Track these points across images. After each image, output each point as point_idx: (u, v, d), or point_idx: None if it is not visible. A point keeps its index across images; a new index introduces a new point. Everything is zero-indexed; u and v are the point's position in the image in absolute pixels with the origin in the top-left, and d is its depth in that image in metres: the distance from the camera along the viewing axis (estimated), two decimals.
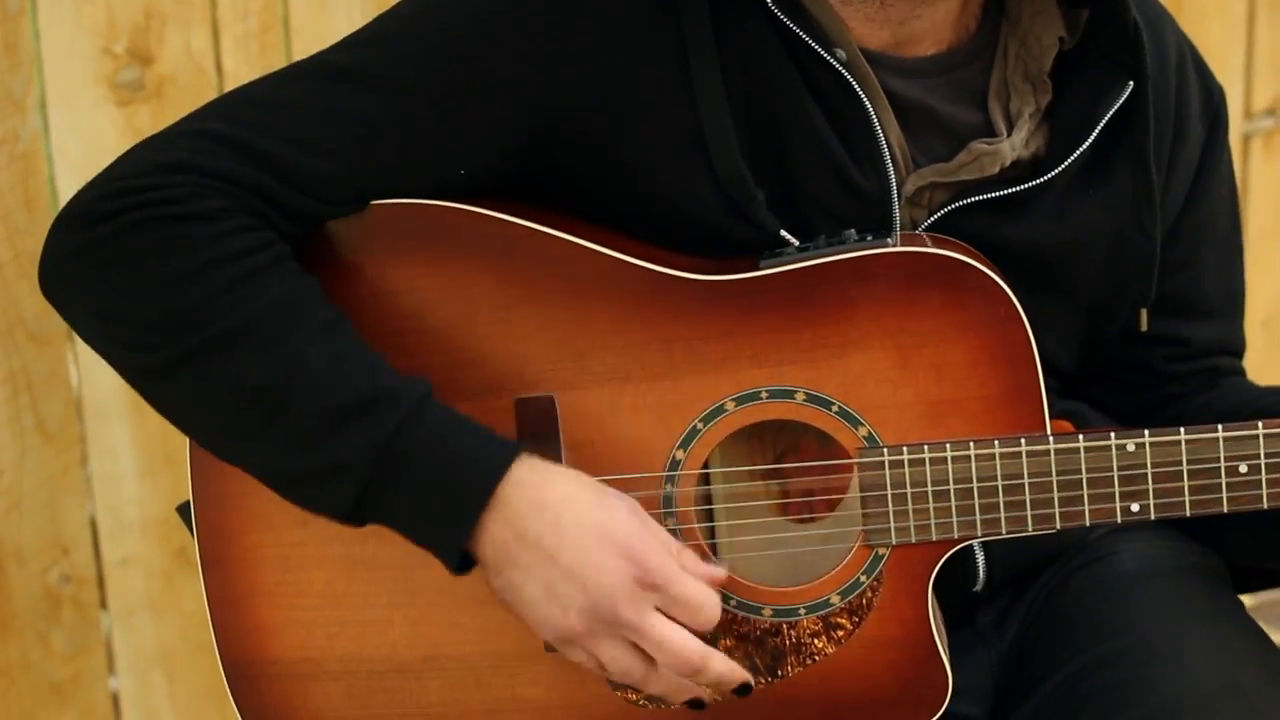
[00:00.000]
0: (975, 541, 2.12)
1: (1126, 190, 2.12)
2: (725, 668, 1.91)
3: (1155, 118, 2.10)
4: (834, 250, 1.96)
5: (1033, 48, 2.08)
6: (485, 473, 1.85)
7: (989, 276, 1.93)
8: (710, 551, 2.01)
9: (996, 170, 2.06)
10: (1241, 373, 2.33)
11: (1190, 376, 2.26)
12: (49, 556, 2.97)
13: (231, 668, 2.06)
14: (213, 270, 1.87)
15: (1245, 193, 3.50)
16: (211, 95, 2.64)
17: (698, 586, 1.88)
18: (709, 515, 2.04)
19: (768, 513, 2.05)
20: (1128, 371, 2.25)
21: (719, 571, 1.92)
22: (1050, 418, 2.00)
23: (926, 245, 1.96)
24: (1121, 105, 2.07)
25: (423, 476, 1.85)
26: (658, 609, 1.87)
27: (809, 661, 2.01)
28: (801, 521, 2.05)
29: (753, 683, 1.96)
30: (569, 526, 1.85)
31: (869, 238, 1.97)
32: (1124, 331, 2.21)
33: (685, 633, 1.88)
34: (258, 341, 1.86)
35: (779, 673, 2.01)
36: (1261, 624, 2.19)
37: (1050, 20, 2.08)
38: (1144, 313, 2.18)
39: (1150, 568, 2.21)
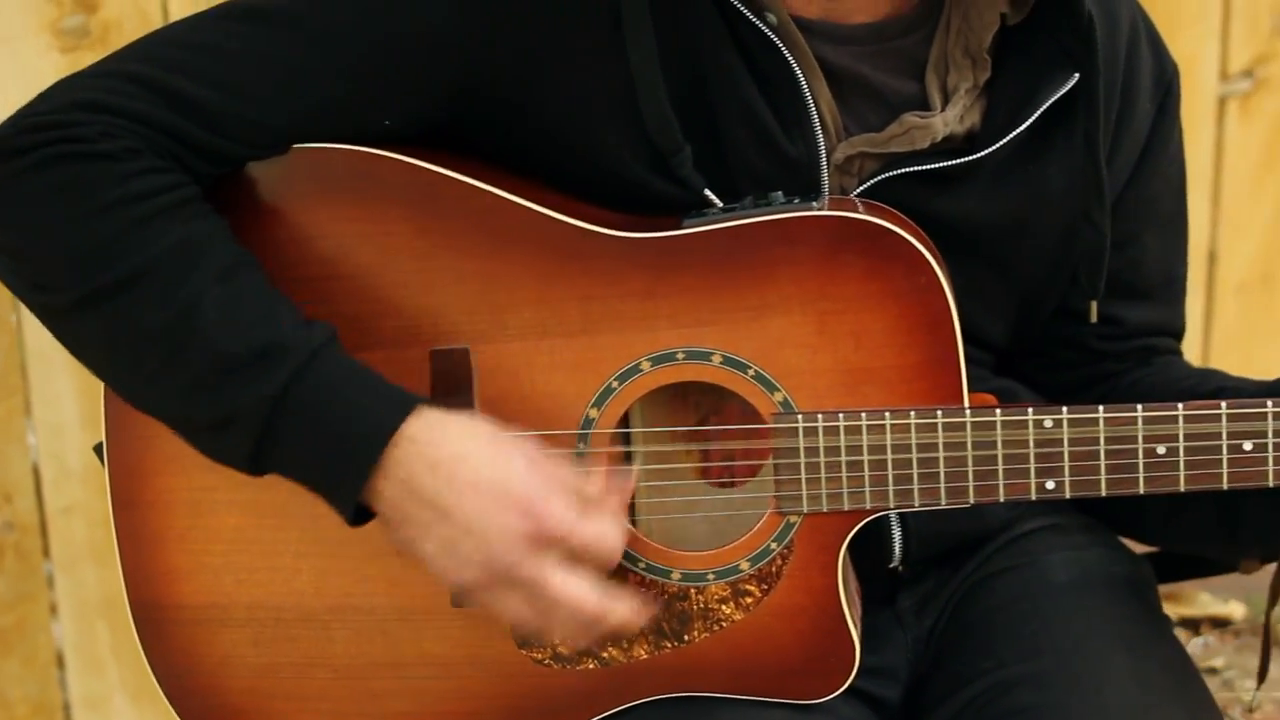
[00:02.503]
0: (892, 517, 2.11)
1: (1066, 175, 2.08)
2: (627, 616, 1.88)
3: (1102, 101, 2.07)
4: (758, 212, 1.93)
5: (974, 23, 2.04)
6: (375, 430, 1.83)
7: (911, 245, 1.90)
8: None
9: (927, 145, 2.03)
10: (1177, 353, 2.30)
11: (1124, 355, 2.23)
12: None
13: (139, 610, 2.05)
14: (116, 211, 1.85)
15: (1220, 156, 3.47)
16: None
17: (598, 527, 1.85)
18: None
19: (687, 475, 2.03)
20: (1061, 348, 2.22)
21: (626, 486, 1.90)
22: (982, 394, 1.98)
23: (858, 210, 1.93)
24: (1065, 92, 2.03)
25: (314, 432, 1.83)
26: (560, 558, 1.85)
27: (716, 628, 1.99)
28: (721, 486, 2.03)
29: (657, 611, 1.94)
30: (463, 485, 1.82)
31: (796, 200, 1.94)
32: (1059, 309, 2.19)
33: (584, 586, 1.85)
34: (156, 285, 1.84)
35: (685, 638, 2.00)
36: None
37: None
38: (1093, 305, 2.15)
39: (1081, 579, 2.19)
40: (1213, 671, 2.86)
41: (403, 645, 2.02)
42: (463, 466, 1.83)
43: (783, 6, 1.98)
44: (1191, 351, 3.53)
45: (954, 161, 2.03)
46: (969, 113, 2.05)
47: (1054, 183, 2.09)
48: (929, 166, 2.03)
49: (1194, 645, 2.93)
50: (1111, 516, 2.28)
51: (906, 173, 2.02)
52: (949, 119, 2.03)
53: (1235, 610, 3.04)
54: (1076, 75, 2.04)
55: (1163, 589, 2.84)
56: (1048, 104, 2.03)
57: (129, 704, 3.14)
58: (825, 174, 2.01)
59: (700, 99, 1.98)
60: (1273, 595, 2.28)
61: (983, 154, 2.03)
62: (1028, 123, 2.03)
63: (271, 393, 1.82)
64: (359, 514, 1.86)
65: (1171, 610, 2.95)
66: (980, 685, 2.09)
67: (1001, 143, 2.03)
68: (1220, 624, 3.01)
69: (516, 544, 1.82)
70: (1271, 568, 2.26)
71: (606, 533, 1.86)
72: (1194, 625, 3.00)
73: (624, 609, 1.88)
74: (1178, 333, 2.30)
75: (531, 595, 1.86)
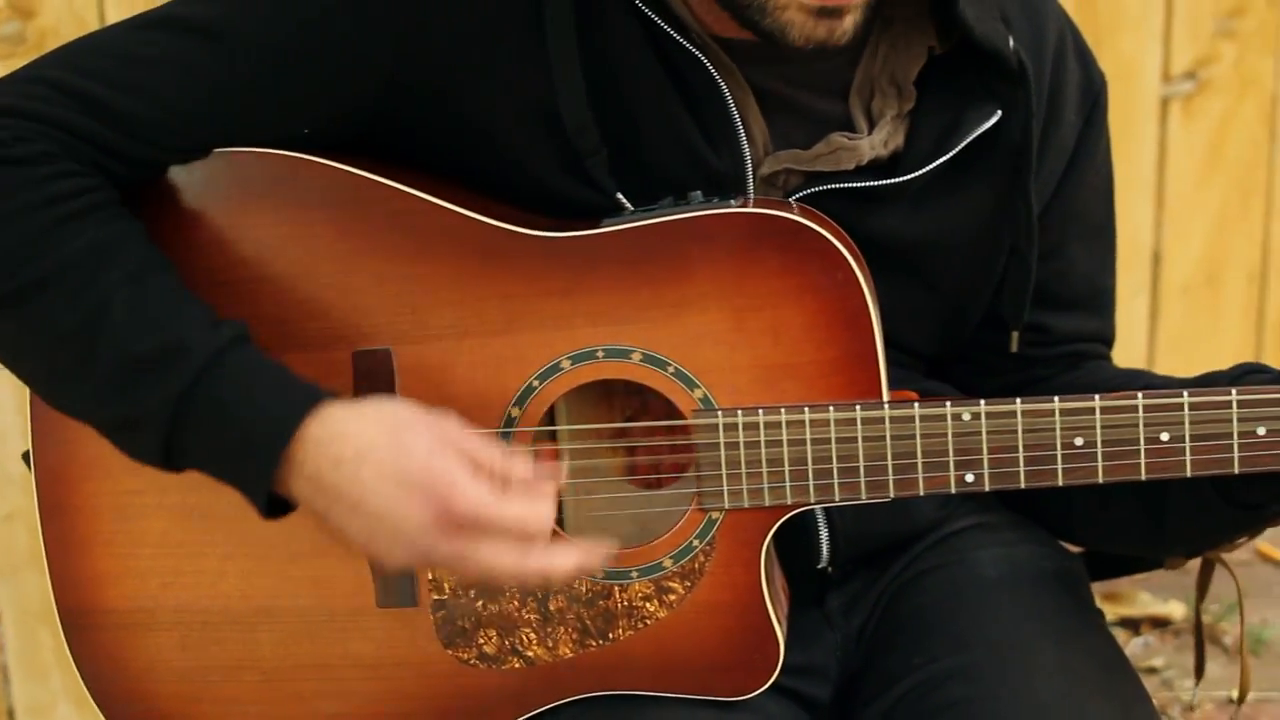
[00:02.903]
0: (819, 518, 2.12)
1: (990, 201, 2.11)
2: (577, 560, 1.85)
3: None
4: (677, 210, 1.94)
5: (902, 54, 2.07)
6: (277, 429, 1.83)
7: (828, 240, 1.91)
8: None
9: (852, 167, 2.05)
10: (1107, 358, 2.31)
11: (1053, 360, 2.25)
12: None
13: (67, 616, 2.05)
14: (29, 214, 1.86)
15: (1163, 157, 3.49)
16: None
17: (518, 509, 1.82)
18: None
19: (612, 474, 2.04)
20: (989, 354, 2.23)
21: (552, 474, 1.87)
22: (904, 390, 1.99)
23: (791, 210, 1.94)
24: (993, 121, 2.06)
25: (219, 431, 1.84)
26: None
27: (640, 625, 2.00)
28: (646, 484, 2.04)
29: (614, 553, 1.93)
30: (368, 478, 1.82)
31: (715, 199, 1.95)
32: (987, 317, 2.20)
33: (511, 558, 1.82)
34: (67, 287, 1.85)
35: (610, 635, 2.00)
36: None
37: (923, 29, 2.06)
38: (1015, 335, 2.17)
39: (1010, 575, 2.20)
40: (1152, 671, 2.86)
41: (329, 646, 2.02)
42: (365, 460, 1.82)
43: (708, 28, 2.00)
44: (1136, 352, 3.55)
45: (878, 183, 2.04)
46: (893, 136, 2.07)
47: (977, 206, 2.11)
48: (854, 185, 2.04)
49: (1134, 645, 2.94)
50: (1040, 515, 2.29)
51: (831, 189, 2.04)
52: (875, 143, 2.05)
53: (1175, 610, 3.04)
54: (999, 112, 2.05)
55: (1102, 589, 2.86)
56: (970, 138, 2.05)
57: (74, 711, 3.14)
58: (751, 187, 2.02)
59: (623, 112, 1.99)
60: (1200, 591, 2.29)
61: (906, 178, 2.05)
62: (950, 154, 2.05)
63: (177, 391, 1.83)
64: (272, 509, 1.86)
65: (1111, 610, 2.98)
66: (911, 681, 2.10)
67: (924, 170, 2.05)
68: (1160, 624, 3.02)
69: (427, 530, 1.81)
70: (1198, 564, 2.28)
71: (527, 511, 1.82)
72: (1134, 625, 3.01)
73: (568, 555, 1.85)
74: (1107, 340, 2.31)
75: (463, 571, 1.87)
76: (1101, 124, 2.23)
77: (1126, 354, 3.53)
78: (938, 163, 2.05)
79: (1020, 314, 2.15)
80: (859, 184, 2.04)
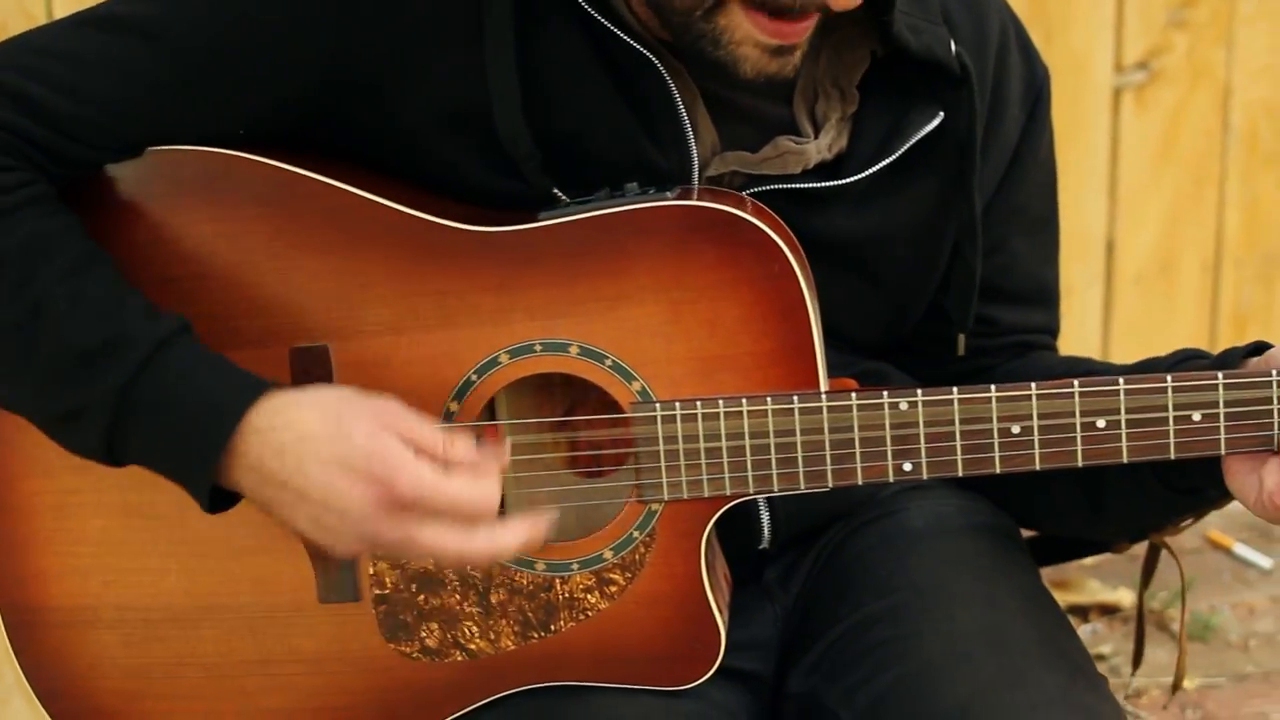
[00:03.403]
0: (760, 501, 2.12)
1: (934, 200, 2.12)
2: (522, 535, 1.85)
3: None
4: (613, 203, 1.94)
5: (845, 57, 2.07)
6: (219, 419, 1.84)
7: (764, 233, 1.91)
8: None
9: (799, 170, 2.05)
10: (1052, 348, 2.32)
11: (998, 350, 2.26)
12: None
13: (10, 614, 2.06)
14: None
15: (1116, 147, 3.50)
16: None
17: (461, 487, 1.82)
18: None
19: (554, 466, 2.04)
20: (934, 345, 2.24)
21: (495, 455, 1.87)
22: (853, 375, 2.00)
23: (745, 206, 1.94)
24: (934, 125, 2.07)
25: (161, 423, 1.85)
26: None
27: (581, 617, 2.00)
28: (588, 476, 2.04)
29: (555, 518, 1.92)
30: (310, 466, 1.83)
31: (651, 190, 1.95)
32: (931, 308, 2.21)
33: (456, 539, 1.83)
34: (6, 281, 1.87)
35: (552, 627, 2.01)
36: None
37: (865, 34, 2.07)
38: (961, 338, 2.17)
39: (937, 525, 2.21)
40: (1100, 658, 2.88)
41: (272, 642, 2.03)
42: (307, 447, 1.83)
43: (655, 32, 2.01)
44: (1091, 341, 3.56)
45: (822, 184, 2.05)
46: (837, 139, 2.07)
47: (921, 204, 2.12)
48: (798, 186, 2.05)
49: (1082, 632, 2.95)
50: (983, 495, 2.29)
51: (777, 190, 2.04)
52: (821, 146, 2.06)
53: (1124, 598, 3.06)
54: (942, 114, 2.06)
55: (1052, 577, 2.87)
56: (914, 140, 2.06)
57: (26, 705, 3.12)
58: (696, 185, 2.03)
59: (565, 115, 1.99)
60: (1145, 577, 2.30)
61: (849, 180, 2.05)
62: (893, 157, 2.05)
63: (118, 383, 1.84)
64: (215, 503, 1.87)
65: (1060, 597, 2.98)
66: (840, 629, 2.12)
67: (868, 172, 2.06)
68: (1109, 611, 3.03)
69: (371, 512, 1.82)
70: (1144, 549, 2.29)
71: (472, 490, 1.83)
72: (1083, 613, 3.02)
73: (513, 533, 1.85)
74: (1053, 331, 2.33)
75: (410, 554, 1.89)
76: (1045, 118, 2.24)
77: (1081, 344, 3.54)
78: (881, 165, 2.06)
79: (966, 318, 2.16)
80: (803, 185, 2.05)
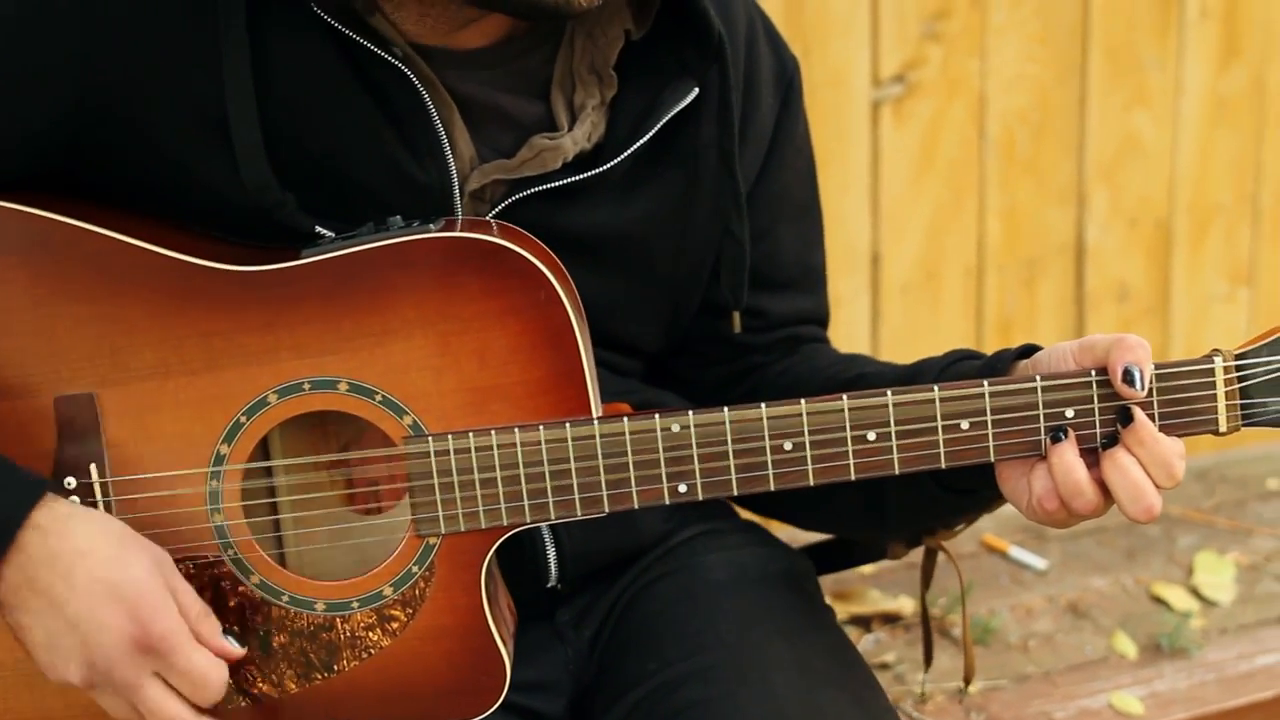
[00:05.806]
0: (546, 537, 2.12)
1: (696, 181, 2.13)
2: None
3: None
4: (377, 237, 1.93)
5: (599, 40, 2.07)
6: (9, 517, 1.83)
7: (527, 260, 1.91)
8: (271, 544, 1.98)
9: (559, 165, 2.05)
10: (823, 340, 2.35)
11: (770, 346, 2.28)
12: None
13: None
14: None
15: (877, 160, 3.54)
16: None
17: (204, 661, 1.88)
18: (272, 509, 2.00)
19: (332, 504, 2.03)
20: (708, 344, 2.26)
21: (233, 648, 1.93)
22: (617, 404, 2.00)
23: (491, 232, 1.94)
24: (690, 102, 2.07)
25: None
26: (160, 674, 1.87)
27: (364, 655, 1.99)
28: (367, 513, 2.03)
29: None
30: (79, 581, 1.83)
31: (415, 224, 1.94)
32: (703, 305, 2.22)
33: (179, 705, 1.88)
34: None
35: (335, 668, 1.99)
36: None
37: (617, 11, 2.07)
38: (736, 316, 2.18)
39: (740, 575, 2.23)
40: (885, 667, 2.91)
41: (49, 698, 1.99)
42: (82, 562, 1.84)
43: (402, 37, 1.99)
44: (861, 351, 3.59)
45: (579, 177, 2.05)
46: (596, 128, 2.07)
47: (683, 188, 2.12)
48: (556, 184, 2.05)
49: (866, 642, 2.98)
50: (767, 506, 2.31)
51: (536, 192, 2.04)
52: (578, 137, 2.06)
53: (904, 606, 3.09)
54: (696, 89, 2.07)
55: (832, 588, 2.91)
56: (667, 117, 2.06)
57: None
58: (459, 201, 2.02)
59: (323, 137, 1.98)
60: (925, 581, 2.33)
61: (606, 168, 2.05)
62: (648, 136, 2.06)
63: None
64: None
65: (842, 608, 3.02)
66: (647, 687, 2.12)
67: (623, 156, 2.05)
68: (890, 620, 3.07)
69: (117, 645, 1.84)
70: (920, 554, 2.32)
71: (210, 666, 1.88)
72: (865, 622, 3.06)
73: None
74: (822, 320, 2.35)
75: (128, 701, 1.88)
76: (798, 106, 2.26)
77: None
78: (635, 146, 2.06)
79: (740, 293, 2.17)
80: (560, 182, 2.05)
